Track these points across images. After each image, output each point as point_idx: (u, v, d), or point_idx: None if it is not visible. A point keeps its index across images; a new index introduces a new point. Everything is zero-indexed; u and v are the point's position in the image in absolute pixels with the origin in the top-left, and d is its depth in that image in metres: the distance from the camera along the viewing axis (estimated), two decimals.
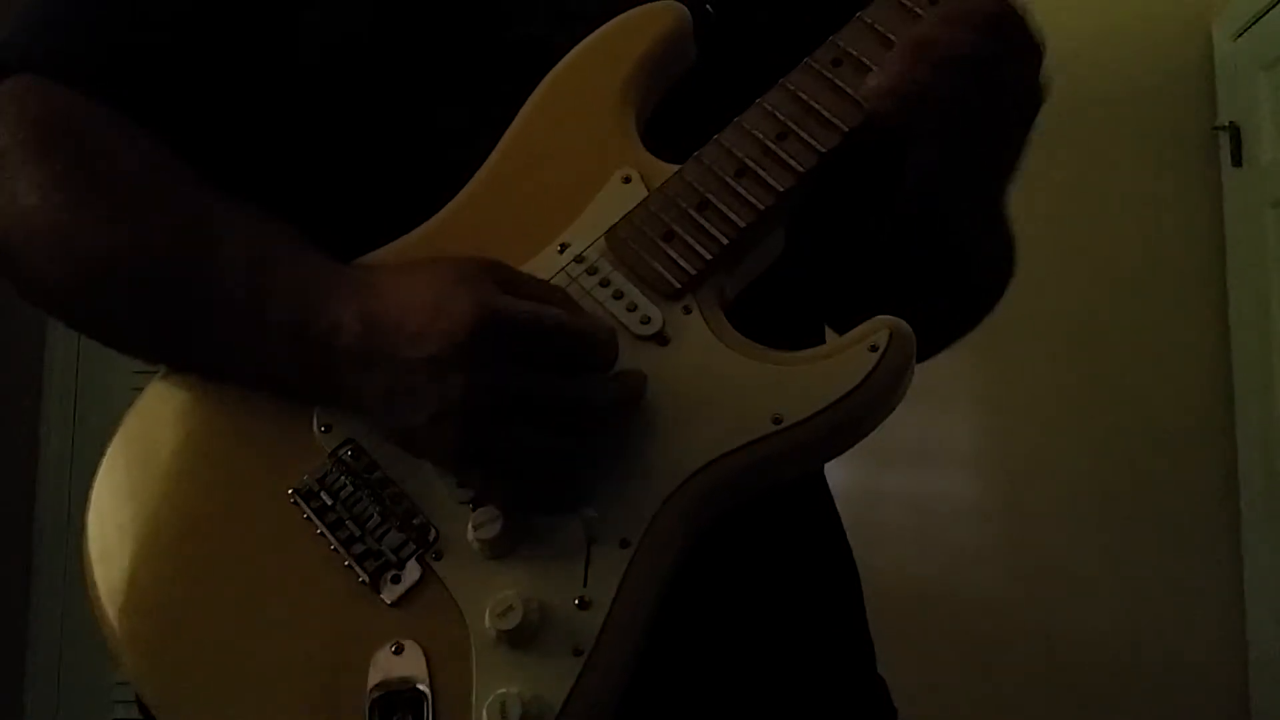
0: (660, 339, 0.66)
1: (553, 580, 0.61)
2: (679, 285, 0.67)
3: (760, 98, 0.70)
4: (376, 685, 0.60)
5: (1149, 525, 2.51)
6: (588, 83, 0.74)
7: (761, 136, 0.69)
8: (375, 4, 0.78)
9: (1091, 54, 2.53)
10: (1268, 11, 2.43)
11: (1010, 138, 0.73)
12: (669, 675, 0.67)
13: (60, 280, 0.71)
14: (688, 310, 0.67)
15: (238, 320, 0.66)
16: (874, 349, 0.63)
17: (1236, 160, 2.54)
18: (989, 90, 0.67)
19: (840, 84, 0.69)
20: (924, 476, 2.59)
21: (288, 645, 0.62)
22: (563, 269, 0.68)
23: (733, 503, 0.64)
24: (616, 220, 0.69)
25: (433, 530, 0.63)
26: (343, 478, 0.65)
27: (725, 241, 0.67)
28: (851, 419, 0.63)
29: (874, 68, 0.68)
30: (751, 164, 0.69)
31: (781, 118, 0.69)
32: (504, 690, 0.58)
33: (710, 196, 0.68)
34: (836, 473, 0.87)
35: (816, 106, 0.69)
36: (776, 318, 0.70)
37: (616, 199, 0.70)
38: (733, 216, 0.68)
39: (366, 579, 0.63)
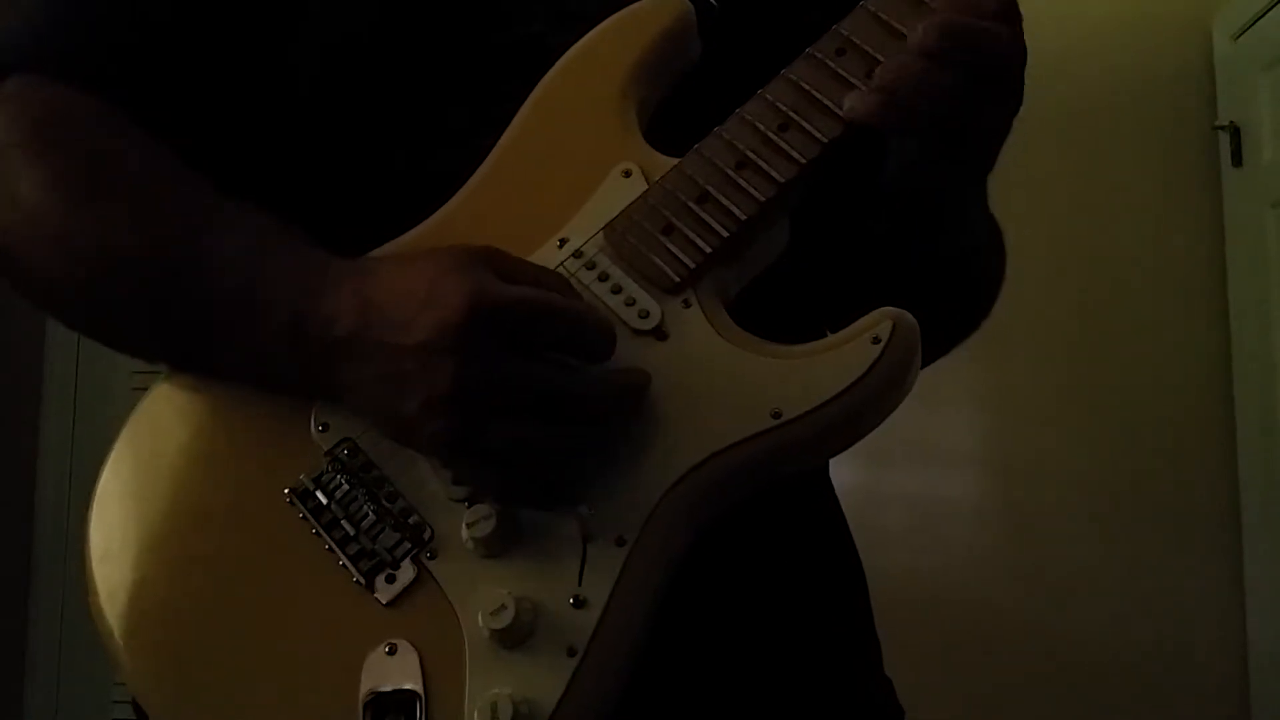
0: (659, 333, 0.65)
1: (547, 579, 0.60)
2: (678, 279, 0.66)
3: (761, 89, 0.70)
4: (369, 687, 0.59)
5: (1149, 525, 2.51)
6: (590, 78, 0.73)
7: (763, 128, 0.68)
8: (377, 4, 0.78)
9: (1091, 54, 2.53)
10: (1268, 11, 2.42)
11: (992, 133, 0.72)
12: (671, 676, 0.66)
13: (59, 279, 0.71)
14: (687, 304, 0.66)
15: (236, 316, 0.65)
16: (876, 341, 0.62)
17: (1236, 160, 2.53)
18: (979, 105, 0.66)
19: (844, 73, 0.68)
20: (924, 476, 2.59)
21: (282, 646, 0.62)
22: (561, 264, 0.68)
23: (733, 499, 0.63)
24: (615, 214, 0.69)
25: (428, 529, 0.63)
26: (339, 477, 0.65)
27: (725, 234, 0.67)
28: (853, 413, 0.62)
29: (878, 57, 0.67)
30: (752, 155, 0.68)
31: (783, 108, 0.69)
32: (495, 691, 0.58)
33: (710, 189, 0.68)
34: (836, 473, 0.86)
35: (819, 96, 0.68)
36: (780, 315, 0.69)
37: (616, 193, 0.69)
38: (733, 209, 0.67)
39: (361, 579, 0.62)
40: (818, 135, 0.68)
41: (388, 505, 0.64)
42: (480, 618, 0.59)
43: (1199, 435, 2.53)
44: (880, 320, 0.63)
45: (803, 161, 0.67)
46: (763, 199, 0.67)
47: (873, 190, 0.76)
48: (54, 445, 2.66)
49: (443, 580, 0.62)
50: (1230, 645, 2.45)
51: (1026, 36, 0.68)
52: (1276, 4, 2.39)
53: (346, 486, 0.64)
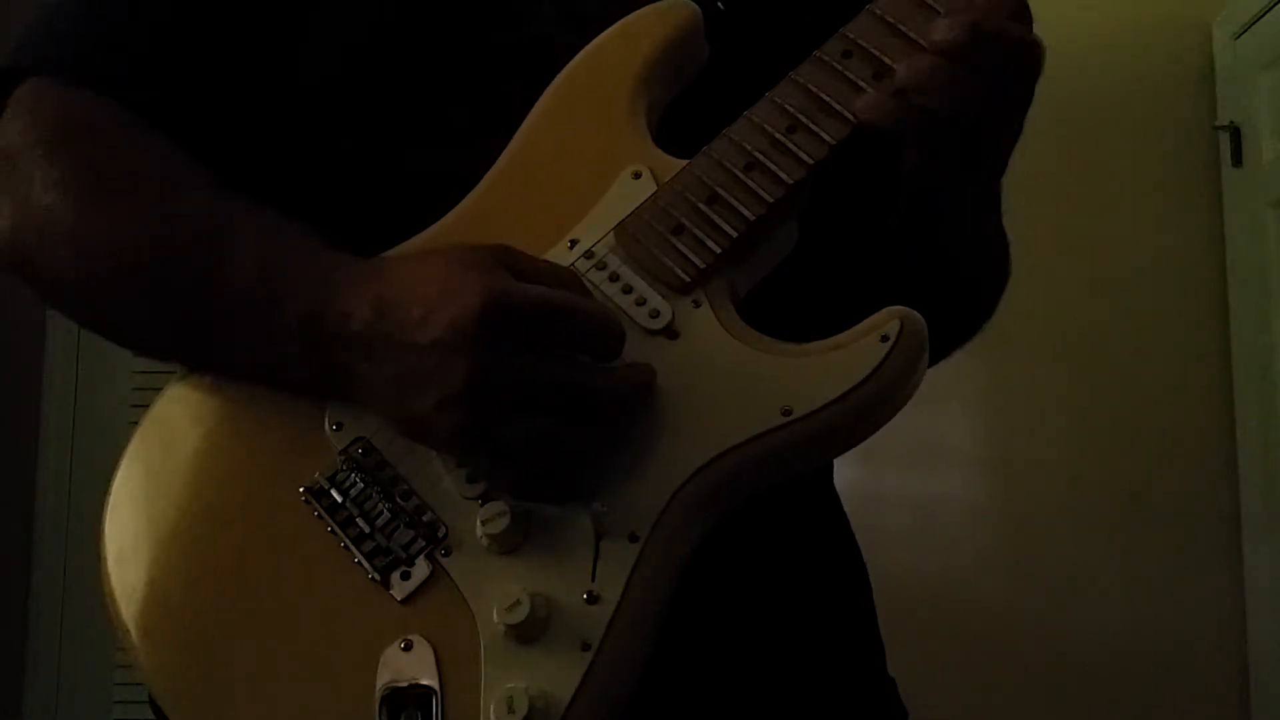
0: (669, 333, 0.66)
1: (561, 575, 0.61)
2: (688, 279, 0.67)
3: (769, 91, 0.70)
4: (385, 682, 0.60)
5: (1149, 525, 2.51)
6: (599, 80, 0.74)
7: (771, 130, 0.69)
8: (386, 4, 0.79)
9: (1092, 54, 2.53)
10: (1268, 11, 2.43)
11: (1009, 134, 0.73)
12: (680, 673, 0.67)
13: (75, 279, 0.71)
14: (697, 304, 0.67)
15: (251, 314, 0.66)
16: (885, 339, 0.63)
17: (1236, 160, 2.53)
18: (995, 101, 0.67)
19: (850, 76, 0.69)
20: (924, 477, 2.59)
21: (298, 643, 0.63)
22: (572, 264, 0.68)
23: (743, 497, 0.64)
24: (626, 215, 0.69)
25: (442, 527, 0.63)
26: (353, 475, 0.65)
27: (734, 235, 0.67)
28: (862, 411, 0.63)
29: (885, 60, 0.68)
30: (761, 157, 0.69)
31: (791, 110, 0.69)
32: (512, 685, 0.58)
33: (719, 190, 0.69)
34: (836, 473, 0.87)
35: (826, 99, 0.69)
36: (789, 314, 0.69)
37: (627, 194, 0.70)
38: (742, 210, 0.68)
39: (376, 576, 0.63)
40: (825, 137, 0.68)
41: (402, 503, 0.64)
42: (495, 613, 0.60)
43: (1199, 435, 2.54)
44: (888, 319, 0.64)
45: (810, 163, 0.68)
46: (771, 200, 0.68)
47: (884, 186, 0.76)
48: (54, 445, 2.65)
49: (457, 576, 0.62)
50: (1230, 645, 2.46)
51: None
52: (1276, 4, 2.39)
53: (361, 485, 0.65)
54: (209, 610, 0.64)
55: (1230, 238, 2.57)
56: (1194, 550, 2.51)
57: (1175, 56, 2.65)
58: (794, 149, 0.68)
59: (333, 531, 0.64)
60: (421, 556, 0.63)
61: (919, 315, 0.64)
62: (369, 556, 0.63)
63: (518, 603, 0.59)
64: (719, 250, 0.67)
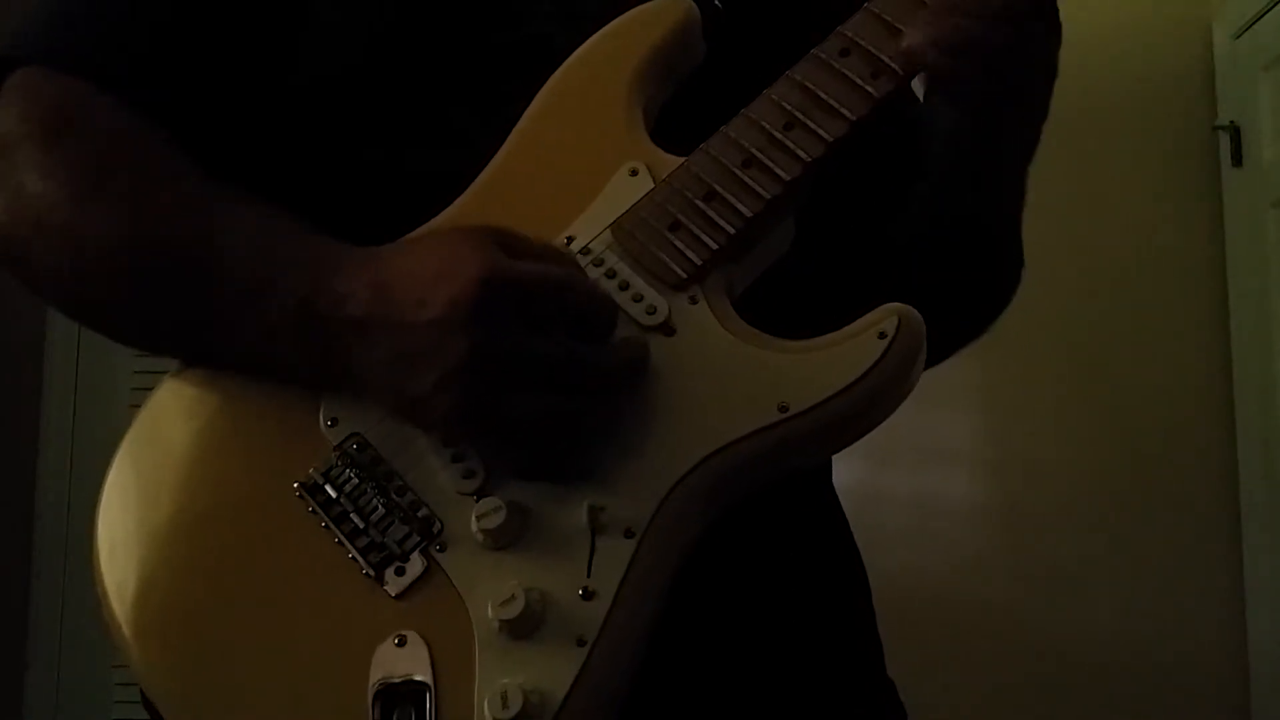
0: (666, 329, 0.66)
1: (556, 570, 0.61)
2: (685, 275, 0.67)
3: (767, 89, 0.70)
4: (379, 678, 0.60)
5: (1149, 525, 2.51)
6: (596, 78, 0.74)
7: (768, 127, 0.69)
8: (386, 3, 0.79)
9: (1091, 54, 2.53)
10: (1268, 11, 2.43)
11: (1035, 104, 0.74)
12: (676, 673, 0.67)
13: (66, 270, 0.71)
14: (694, 300, 0.67)
15: (246, 301, 0.66)
16: (882, 335, 0.63)
17: (1236, 160, 2.54)
18: (1024, 42, 0.68)
19: (848, 74, 0.69)
20: (924, 476, 2.59)
21: (292, 638, 0.62)
22: None
23: (740, 493, 0.64)
24: (622, 212, 0.69)
25: (437, 523, 0.63)
26: (348, 471, 0.65)
27: (732, 231, 0.67)
28: (859, 408, 0.63)
29: (883, 58, 0.68)
30: (758, 154, 0.69)
31: (789, 108, 0.69)
32: (506, 681, 0.58)
33: (717, 187, 0.69)
34: (836, 472, 0.87)
35: (824, 96, 0.69)
36: (786, 310, 0.69)
37: (623, 191, 0.70)
38: (740, 206, 0.68)
39: (370, 571, 0.63)
40: (823, 134, 0.68)
41: (397, 499, 0.64)
42: (490, 608, 0.60)
43: (1199, 435, 2.54)
44: (886, 316, 0.64)
45: (808, 160, 0.68)
46: (769, 196, 0.68)
47: (885, 182, 0.76)
48: (54, 444, 2.66)
49: (452, 572, 0.62)
50: (1230, 645, 2.46)
51: None
52: (1277, 4, 2.39)
53: (356, 480, 0.65)
54: (202, 607, 0.64)
55: (1230, 238, 2.57)
56: (1194, 550, 2.51)
57: (1175, 56, 2.65)
58: (791, 146, 0.69)
59: (326, 527, 0.64)
60: (416, 552, 0.63)
61: (917, 313, 0.64)
62: (363, 552, 0.63)
63: (512, 598, 0.59)
64: (716, 247, 0.67)
